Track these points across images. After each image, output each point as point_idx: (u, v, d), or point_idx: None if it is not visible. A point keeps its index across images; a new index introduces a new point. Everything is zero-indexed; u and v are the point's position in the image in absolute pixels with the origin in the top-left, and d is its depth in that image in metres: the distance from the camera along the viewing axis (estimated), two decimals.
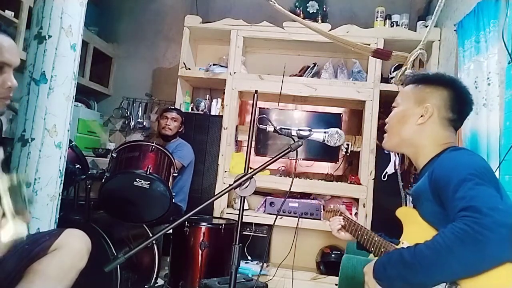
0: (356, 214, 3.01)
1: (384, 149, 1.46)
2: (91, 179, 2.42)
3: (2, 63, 1.15)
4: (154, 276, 2.49)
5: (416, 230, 1.16)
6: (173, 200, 2.40)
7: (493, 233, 0.86)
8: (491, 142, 1.83)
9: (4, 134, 2.73)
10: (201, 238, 2.49)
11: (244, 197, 1.23)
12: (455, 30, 2.41)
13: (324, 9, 3.42)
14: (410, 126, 1.26)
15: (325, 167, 3.44)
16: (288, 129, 1.31)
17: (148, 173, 2.28)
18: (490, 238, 0.86)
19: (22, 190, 0.96)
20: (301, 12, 3.37)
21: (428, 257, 0.93)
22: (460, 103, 1.25)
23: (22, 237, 0.99)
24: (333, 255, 3.01)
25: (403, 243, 1.20)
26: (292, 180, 3.02)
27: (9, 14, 2.66)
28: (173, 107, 3.20)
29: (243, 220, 1.32)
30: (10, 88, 1.17)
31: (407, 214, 1.23)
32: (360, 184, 3.02)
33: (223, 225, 2.55)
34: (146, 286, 2.44)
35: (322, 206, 3.04)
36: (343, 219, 1.57)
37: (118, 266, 2.06)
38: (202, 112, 3.43)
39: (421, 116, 1.24)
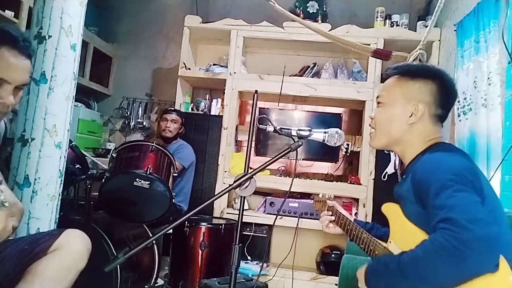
0: (356, 214, 3.00)
1: (374, 147, 1.44)
2: (91, 179, 2.42)
3: (0, 79, 1.13)
4: (154, 276, 2.49)
5: (401, 229, 1.16)
6: (173, 201, 2.40)
7: (472, 249, 0.85)
8: (491, 142, 1.83)
9: (6, 133, 2.73)
10: (201, 238, 2.49)
11: (244, 197, 1.23)
12: (455, 30, 2.41)
13: (324, 9, 3.42)
14: (399, 125, 1.21)
15: (325, 167, 3.44)
16: (288, 129, 1.31)
17: (148, 173, 2.27)
18: (468, 254, 0.85)
19: None
20: (301, 12, 3.37)
21: (410, 268, 0.94)
22: (448, 98, 1.21)
23: None
24: (333, 255, 3.01)
25: (390, 242, 1.20)
26: (292, 180, 3.02)
27: (9, 14, 2.66)
28: (172, 109, 3.20)
29: (243, 220, 1.32)
30: (4, 103, 1.15)
31: (391, 210, 1.22)
32: (360, 184, 3.02)
33: (223, 225, 2.55)
34: (146, 286, 2.44)
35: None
36: (332, 214, 1.55)
37: (118, 266, 2.06)
38: (202, 112, 3.43)
39: (411, 115, 1.19)
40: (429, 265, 0.90)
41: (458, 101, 2.18)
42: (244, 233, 3.06)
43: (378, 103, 1.30)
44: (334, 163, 3.40)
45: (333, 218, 1.54)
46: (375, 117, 1.30)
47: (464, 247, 0.85)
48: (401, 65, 1.30)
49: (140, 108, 3.94)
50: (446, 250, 0.87)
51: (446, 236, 0.88)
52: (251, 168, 1.23)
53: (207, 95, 3.58)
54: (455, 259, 0.86)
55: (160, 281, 2.61)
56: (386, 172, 2.89)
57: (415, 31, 3.14)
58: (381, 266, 1.04)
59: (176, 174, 2.53)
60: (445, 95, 1.20)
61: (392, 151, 2.83)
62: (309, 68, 3.34)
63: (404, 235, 1.13)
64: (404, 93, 1.22)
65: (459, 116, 2.16)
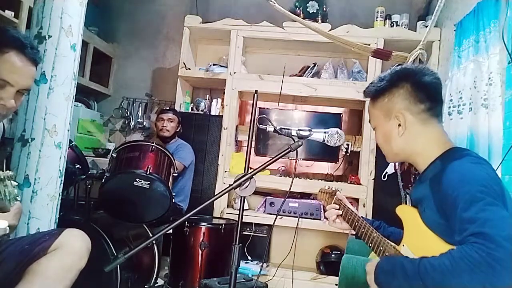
0: None
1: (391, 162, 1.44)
2: (91, 179, 2.42)
3: (4, 81, 1.15)
4: (154, 276, 2.49)
5: (417, 234, 1.14)
6: (174, 200, 2.40)
7: (506, 268, 0.83)
8: (492, 142, 1.82)
9: (4, 134, 2.73)
10: (201, 238, 2.49)
11: (244, 197, 1.23)
12: (455, 30, 2.41)
13: (324, 9, 3.42)
14: (395, 140, 1.22)
15: (325, 167, 3.44)
16: (288, 129, 1.30)
17: (148, 173, 2.27)
18: (502, 273, 0.83)
19: (2, 186, 0.95)
20: (301, 12, 3.37)
21: (433, 277, 0.91)
22: (423, 88, 1.19)
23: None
24: (333, 255, 3.01)
25: (403, 245, 1.17)
26: (292, 180, 3.02)
27: (9, 14, 2.66)
28: (168, 108, 3.20)
29: (243, 220, 1.32)
30: (4, 105, 1.17)
31: (407, 213, 1.20)
32: (360, 184, 3.02)
33: (223, 225, 2.55)
34: (146, 286, 2.44)
35: (322, 206, 3.04)
36: (339, 208, 1.52)
37: (118, 266, 2.06)
38: (202, 112, 3.43)
39: (399, 126, 1.20)
40: (456, 278, 0.87)
41: (451, 100, 2.19)
42: (244, 233, 3.06)
43: (373, 128, 1.33)
44: (334, 163, 3.40)
45: (340, 212, 1.51)
46: (376, 140, 1.33)
47: (498, 265, 0.83)
48: (366, 90, 1.32)
49: (140, 108, 3.94)
50: (479, 265, 0.84)
51: (480, 251, 0.85)
52: (251, 168, 1.23)
53: (207, 95, 3.58)
54: (488, 276, 0.84)
55: (160, 281, 2.61)
56: (386, 172, 2.89)
57: (415, 31, 3.15)
58: (397, 268, 1.01)
59: (176, 174, 2.53)
60: (418, 89, 1.19)
61: None
62: (309, 68, 3.34)
63: (420, 240, 1.11)
64: (382, 113, 1.25)
65: (450, 114, 2.16)
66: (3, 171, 0.94)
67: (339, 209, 1.52)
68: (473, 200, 0.94)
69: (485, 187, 0.96)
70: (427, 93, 1.19)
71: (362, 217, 1.44)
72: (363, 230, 1.35)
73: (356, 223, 1.40)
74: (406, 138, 1.20)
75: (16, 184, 1.01)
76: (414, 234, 1.16)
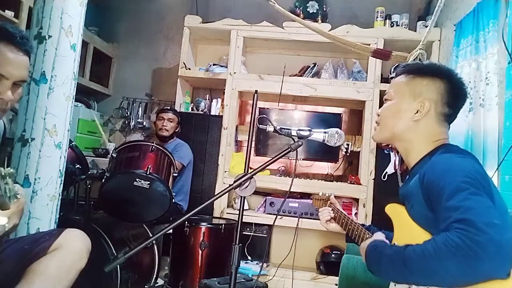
0: (356, 214, 3.01)
1: (377, 143, 1.42)
2: (91, 179, 2.42)
3: None
4: (154, 276, 2.50)
5: (407, 231, 1.14)
6: (173, 200, 2.40)
7: (487, 253, 0.84)
8: (488, 142, 1.83)
9: (5, 133, 2.73)
10: (201, 238, 2.49)
11: (244, 197, 1.23)
12: (454, 30, 2.42)
13: (324, 9, 3.42)
14: (404, 121, 1.21)
15: (325, 167, 3.44)
16: (288, 129, 1.30)
17: (148, 173, 2.27)
18: (482, 257, 0.84)
19: (3, 183, 0.95)
20: (301, 12, 3.36)
21: (416, 263, 0.93)
22: (456, 97, 1.20)
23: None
24: (333, 255, 3.00)
25: (394, 243, 1.17)
26: (292, 180, 3.02)
27: (9, 14, 2.66)
28: (168, 108, 3.20)
29: (243, 220, 1.32)
30: (2, 99, 1.15)
31: (396, 211, 1.21)
32: (360, 184, 3.02)
33: (223, 225, 2.55)
34: (146, 286, 2.45)
35: None
36: (332, 210, 1.55)
37: (118, 266, 2.06)
38: (202, 112, 3.43)
39: (417, 112, 1.19)
40: (440, 263, 0.88)
41: None
42: (244, 233, 3.06)
43: (386, 99, 1.29)
44: (334, 163, 3.40)
45: (333, 214, 1.54)
46: (381, 113, 1.29)
47: (480, 250, 0.84)
48: (411, 63, 1.30)
49: (140, 108, 3.94)
50: (461, 250, 0.85)
51: (462, 236, 0.86)
52: (251, 168, 1.23)
53: (207, 95, 3.58)
54: (468, 260, 0.85)
55: (160, 281, 2.61)
56: (386, 172, 2.89)
57: (415, 31, 3.15)
58: (383, 255, 1.04)
59: (176, 174, 2.54)
60: (453, 94, 1.19)
61: (393, 150, 2.84)
62: (309, 68, 3.34)
63: (410, 237, 1.11)
64: (411, 90, 1.21)
65: None
66: (4, 168, 0.94)
67: (332, 211, 1.56)
68: (457, 189, 0.95)
69: (470, 178, 0.97)
70: (457, 102, 1.20)
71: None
72: (356, 233, 1.37)
73: (350, 226, 1.43)
74: (415, 125, 1.20)
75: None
76: (404, 231, 1.17)
